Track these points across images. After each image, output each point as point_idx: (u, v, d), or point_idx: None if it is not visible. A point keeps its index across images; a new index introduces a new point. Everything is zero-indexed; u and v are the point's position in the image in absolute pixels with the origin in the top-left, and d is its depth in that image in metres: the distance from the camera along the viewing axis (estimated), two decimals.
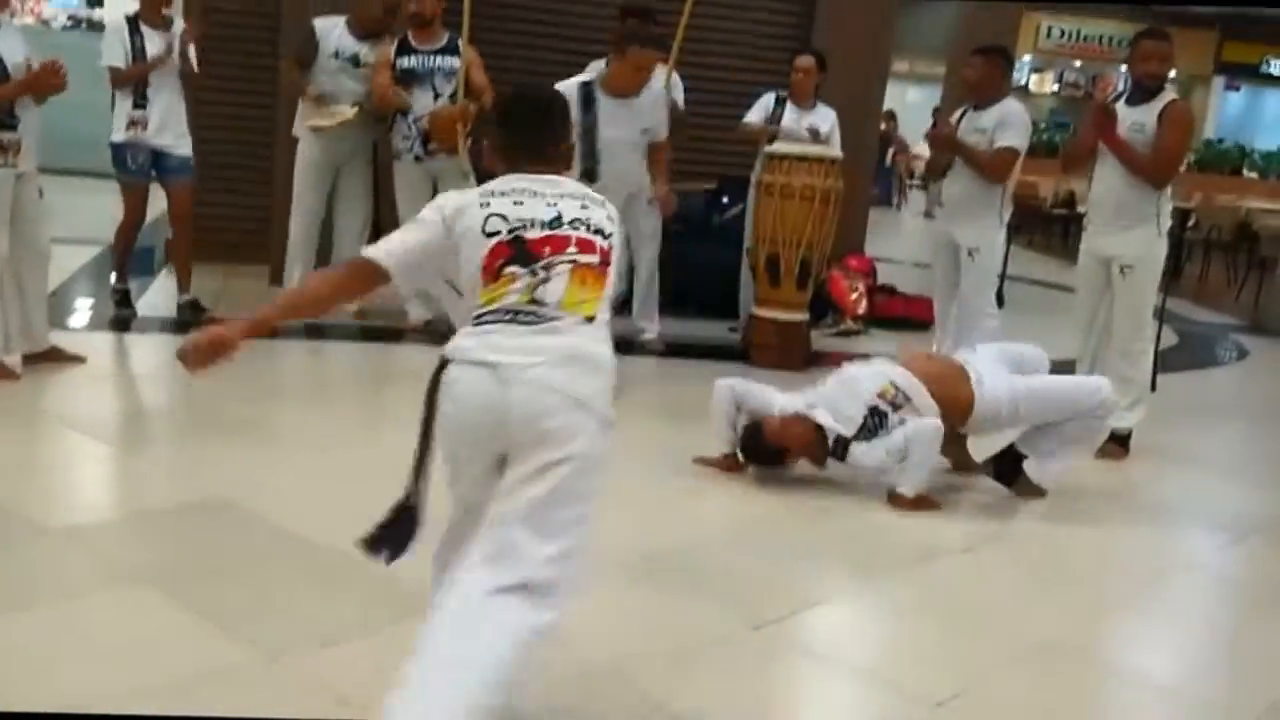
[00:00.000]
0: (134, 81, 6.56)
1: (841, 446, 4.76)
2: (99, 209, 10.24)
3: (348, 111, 6.98)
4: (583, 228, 2.60)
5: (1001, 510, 5.02)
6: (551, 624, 2.44)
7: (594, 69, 6.66)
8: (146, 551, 3.84)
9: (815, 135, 7.16)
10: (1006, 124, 6.33)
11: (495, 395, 2.41)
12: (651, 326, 7.29)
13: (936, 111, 6.14)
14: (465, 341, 2.49)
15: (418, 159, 6.99)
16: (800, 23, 9.13)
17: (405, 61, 6.94)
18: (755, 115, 7.43)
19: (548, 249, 2.54)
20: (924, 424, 4.74)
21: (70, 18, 19.47)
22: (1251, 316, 11.42)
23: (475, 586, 2.39)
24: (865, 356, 5.49)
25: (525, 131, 2.74)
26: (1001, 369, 5.09)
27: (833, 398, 4.88)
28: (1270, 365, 9.46)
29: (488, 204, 2.59)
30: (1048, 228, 16.54)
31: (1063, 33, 27.64)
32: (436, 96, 6.92)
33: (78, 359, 5.76)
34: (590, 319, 2.53)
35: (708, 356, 7.22)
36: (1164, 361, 7.37)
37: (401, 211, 6.89)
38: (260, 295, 7.42)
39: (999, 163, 6.34)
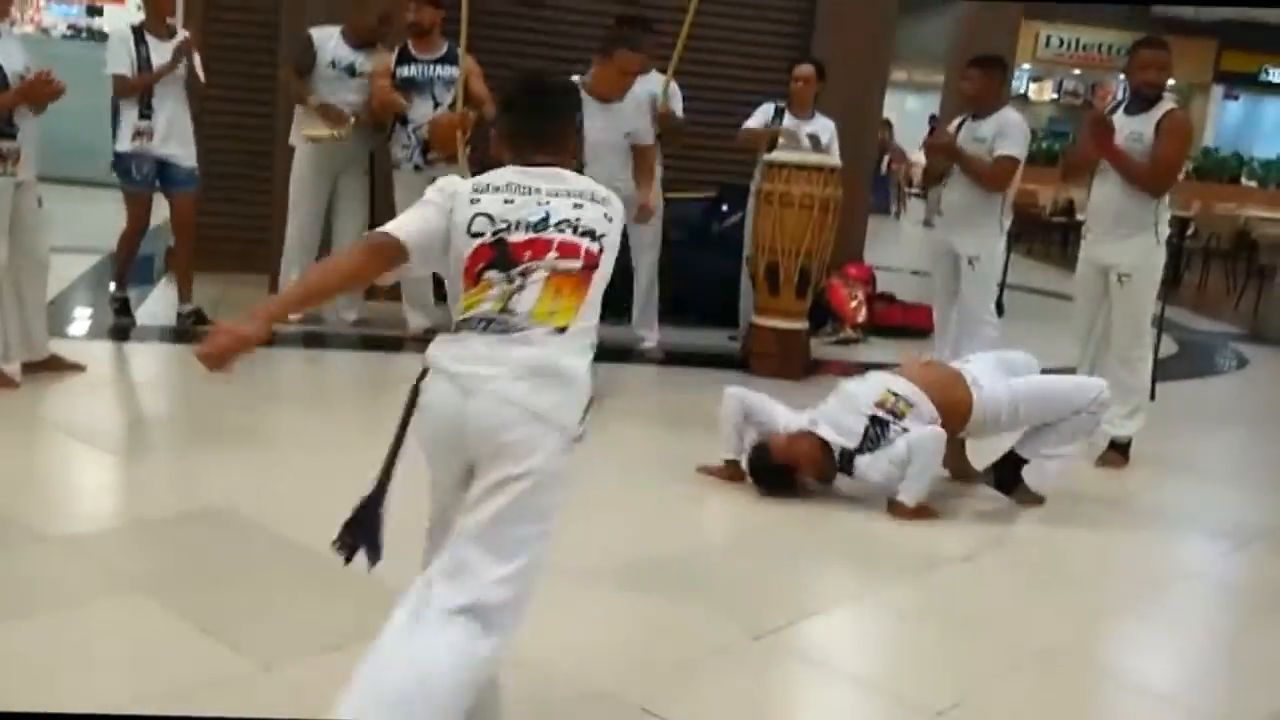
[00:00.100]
0: (140, 91, 6.55)
1: (847, 460, 4.76)
2: (98, 218, 10.25)
3: (341, 128, 6.98)
4: (569, 230, 2.51)
5: (1001, 518, 5.02)
6: (497, 651, 2.39)
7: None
8: (145, 559, 3.84)
9: (815, 144, 7.15)
10: (1005, 134, 6.33)
11: (457, 406, 2.38)
12: (651, 335, 7.29)
13: (933, 119, 6.14)
14: (439, 350, 2.45)
15: (417, 168, 6.99)
16: (799, 31, 9.14)
17: (405, 70, 6.95)
18: (754, 123, 7.44)
19: (528, 254, 2.47)
20: (926, 433, 4.74)
21: (70, 26, 19.52)
22: (1251, 325, 11.42)
23: (425, 603, 2.36)
24: (865, 365, 5.50)
25: (530, 116, 2.67)
26: (998, 373, 5.10)
27: (833, 413, 4.88)
28: (1270, 374, 9.45)
29: (478, 200, 2.52)
30: (1047, 236, 16.55)
31: (1061, 41, 27.69)
32: (436, 105, 6.93)
33: (77, 367, 5.75)
34: (562, 329, 2.44)
35: (707, 365, 7.22)
36: (1164, 370, 7.37)
37: None
38: (260, 304, 7.40)
39: (999, 172, 6.35)
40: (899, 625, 3.93)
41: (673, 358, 7.24)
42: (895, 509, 4.72)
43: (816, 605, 3.93)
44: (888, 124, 17.64)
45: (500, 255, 2.47)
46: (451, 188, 2.57)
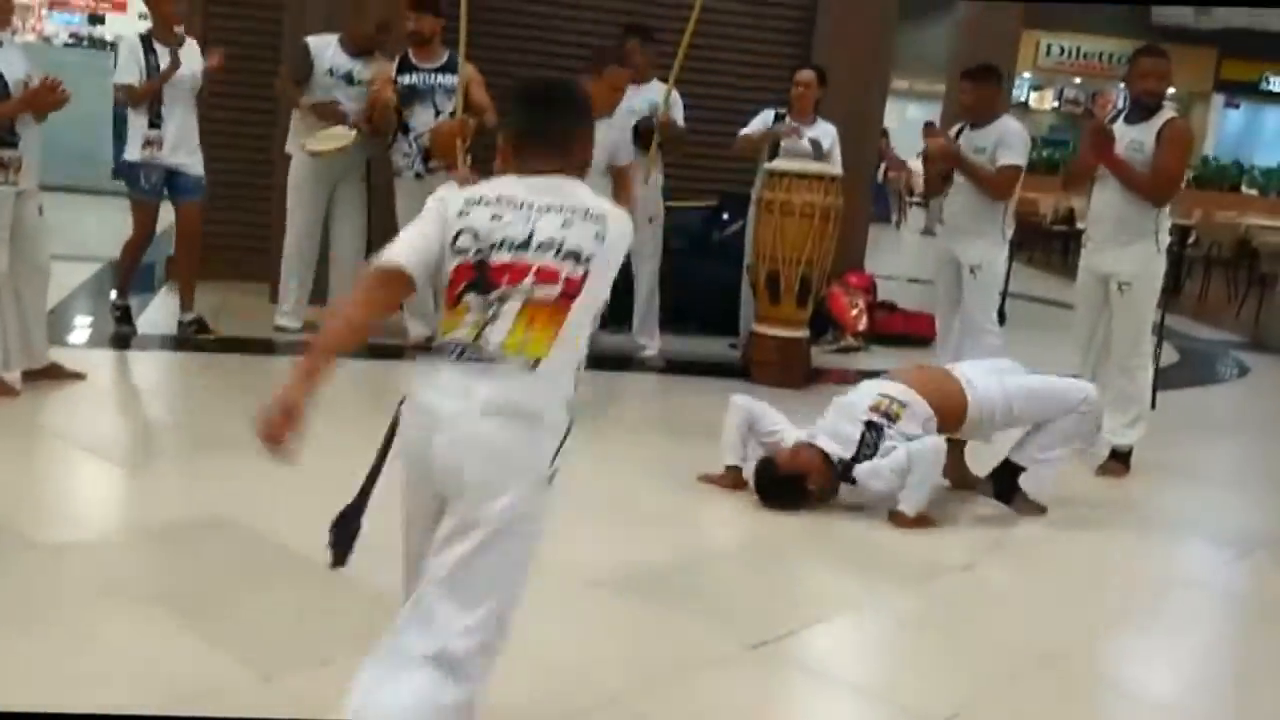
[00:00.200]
0: (149, 99, 6.55)
1: (846, 469, 4.75)
2: (99, 226, 10.27)
3: (346, 136, 6.98)
4: (550, 252, 2.38)
5: (1001, 526, 5.01)
6: (463, 701, 2.32)
7: None
8: (144, 569, 3.84)
9: (816, 149, 7.15)
10: (1007, 142, 6.34)
11: (425, 441, 2.33)
12: (652, 343, 7.29)
13: (929, 125, 6.12)
14: (417, 379, 2.40)
15: (418, 176, 6.99)
16: (800, 40, 9.15)
17: (406, 79, 6.95)
18: (752, 131, 7.43)
19: (505, 278, 2.37)
20: (927, 442, 4.74)
21: (72, 35, 19.55)
22: (1252, 333, 11.42)
23: (394, 649, 2.34)
24: (865, 374, 5.50)
25: (533, 120, 2.56)
26: (989, 374, 5.13)
27: (830, 424, 4.89)
28: (1271, 382, 9.44)
29: (466, 214, 2.43)
30: (1047, 244, 16.55)
31: (1062, 50, 27.75)
32: (437, 113, 6.93)
33: (77, 376, 5.75)
34: (535, 364, 2.33)
35: (708, 373, 7.21)
36: (1165, 378, 7.37)
37: (403, 229, 6.88)
38: (260, 312, 7.43)
39: (1002, 181, 6.35)
40: (899, 634, 3.92)
41: (673, 366, 7.24)
42: (896, 518, 4.72)
43: (816, 614, 3.92)
44: (884, 133, 17.66)
45: (480, 277, 2.38)
46: (446, 199, 2.50)
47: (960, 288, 6.51)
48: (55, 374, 5.69)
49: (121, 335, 6.80)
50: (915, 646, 3.82)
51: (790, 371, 7.02)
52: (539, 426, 2.34)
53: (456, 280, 2.40)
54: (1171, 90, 6.15)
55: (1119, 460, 5.85)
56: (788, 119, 7.33)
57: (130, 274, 6.95)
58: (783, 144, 7.24)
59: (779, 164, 7.10)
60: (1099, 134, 5.69)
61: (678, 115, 7.19)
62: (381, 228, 7.19)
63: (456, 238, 2.42)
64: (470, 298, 2.38)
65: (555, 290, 2.37)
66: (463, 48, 6.67)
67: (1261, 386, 9.23)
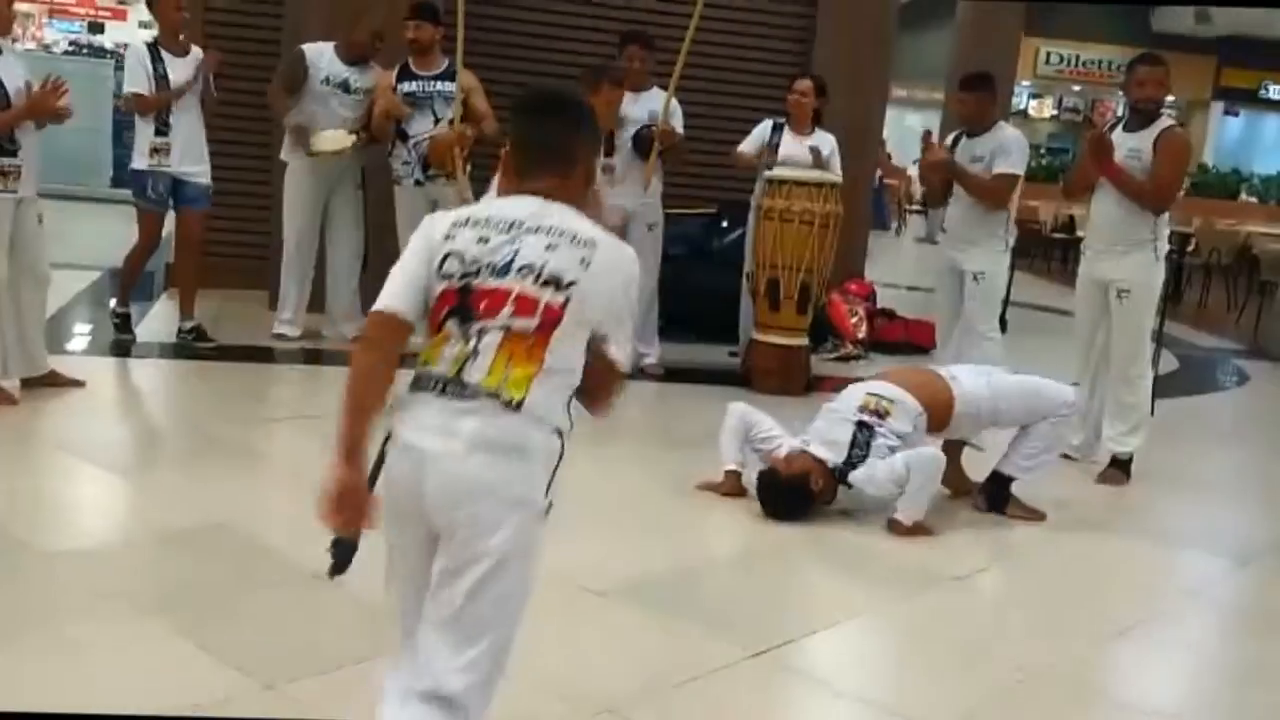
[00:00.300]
0: (158, 109, 6.55)
1: (841, 474, 4.75)
2: (99, 233, 10.27)
3: (344, 140, 6.98)
4: (530, 278, 2.31)
5: (1002, 536, 5.00)
6: None
7: None
8: (143, 576, 3.83)
9: (816, 156, 7.14)
10: (1004, 150, 6.33)
11: (413, 480, 2.28)
12: (651, 351, 7.28)
13: (927, 134, 6.14)
14: (401, 414, 2.34)
15: (418, 183, 7.00)
16: (800, 49, 9.16)
17: (406, 86, 6.96)
18: (748, 146, 7.41)
19: (484, 306, 2.31)
20: (926, 452, 4.74)
21: (71, 43, 19.55)
22: (1252, 341, 11.41)
23: (394, 691, 2.33)
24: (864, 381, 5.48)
25: (531, 132, 2.51)
26: (975, 373, 5.17)
27: (822, 430, 4.89)
28: (1271, 390, 9.44)
29: (452, 237, 2.37)
30: (1047, 252, 16.56)
31: (1061, 58, 27.76)
32: (436, 121, 6.93)
33: (76, 383, 5.74)
34: (517, 405, 2.26)
35: (708, 381, 7.21)
36: (1165, 387, 7.36)
37: (402, 236, 6.88)
38: (259, 320, 7.43)
39: (998, 189, 6.35)
40: (899, 642, 3.92)
41: (673, 374, 7.23)
42: (893, 526, 4.71)
43: (817, 622, 3.92)
44: (881, 142, 17.68)
45: (463, 303, 2.32)
46: (433, 224, 2.43)
47: (962, 295, 6.50)
48: (54, 381, 5.68)
49: (121, 343, 6.80)
50: (915, 655, 3.81)
51: (790, 379, 7.02)
52: (529, 459, 2.29)
53: (440, 306, 2.35)
54: (1171, 98, 6.15)
55: (1119, 468, 5.84)
56: (786, 130, 7.31)
57: (132, 282, 6.96)
58: (781, 152, 7.23)
59: (779, 171, 7.10)
60: (1099, 142, 5.69)
61: (677, 124, 7.19)
62: (377, 235, 7.21)
63: (443, 262, 2.36)
64: (451, 325, 2.33)
65: (533, 322, 2.30)
66: (460, 55, 6.67)
67: (1261, 394, 9.23)
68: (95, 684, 3.05)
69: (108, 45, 19.15)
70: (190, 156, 6.67)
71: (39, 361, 5.65)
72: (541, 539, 2.34)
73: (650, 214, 7.17)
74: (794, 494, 4.76)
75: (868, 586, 4.31)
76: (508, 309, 2.30)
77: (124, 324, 6.88)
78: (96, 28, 21.14)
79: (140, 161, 6.64)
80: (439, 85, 6.96)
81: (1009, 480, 5.09)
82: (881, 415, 4.81)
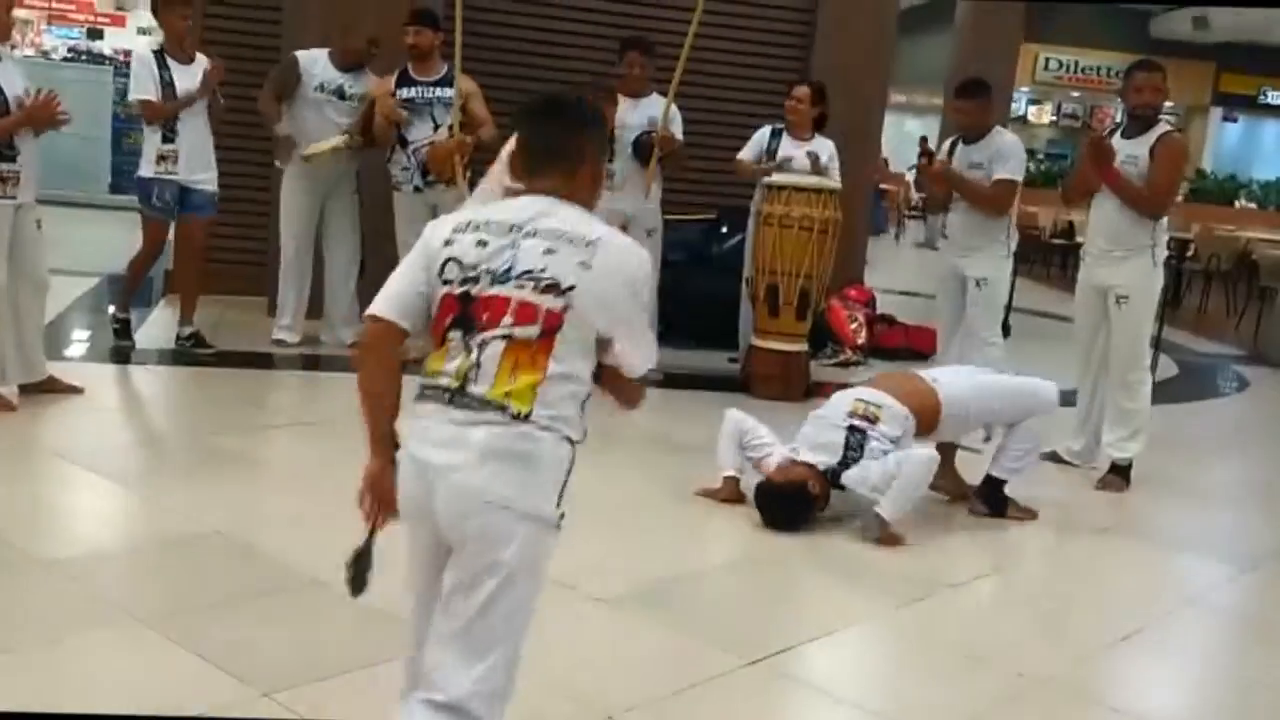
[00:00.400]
0: (167, 117, 6.54)
1: (834, 476, 4.74)
2: (97, 240, 10.27)
3: (337, 140, 6.98)
4: (530, 285, 2.31)
5: (1001, 543, 5.00)
6: None
7: None
8: (140, 584, 3.82)
9: (815, 161, 7.14)
10: (1002, 156, 6.34)
11: (423, 493, 2.30)
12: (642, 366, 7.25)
13: (923, 140, 6.14)
14: (409, 430, 2.36)
15: (417, 189, 6.99)
16: (799, 54, 9.17)
17: (405, 92, 6.95)
18: (748, 153, 7.41)
19: (485, 316, 2.31)
20: (919, 452, 4.74)
21: (70, 49, 19.56)
22: (1252, 347, 11.41)
23: (409, 695, 2.35)
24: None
25: (535, 133, 2.52)
26: (959, 374, 5.21)
27: (810, 436, 4.88)
28: (1271, 396, 9.44)
29: (452, 242, 2.38)
30: (1047, 257, 16.56)
31: (1060, 64, 27.80)
32: (436, 127, 6.93)
33: (75, 389, 5.73)
34: (524, 416, 2.26)
35: (707, 387, 7.20)
36: (1165, 392, 7.36)
37: (401, 242, 6.89)
38: (258, 326, 7.42)
39: (997, 196, 6.35)
40: (898, 650, 3.90)
41: (672, 380, 7.21)
42: (879, 528, 4.67)
43: (814, 630, 3.90)
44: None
45: (464, 311, 2.33)
46: (434, 229, 2.44)
47: (964, 302, 6.49)
48: (53, 388, 5.68)
49: (120, 349, 6.79)
50: (914, 662, 3.80)
51: (790, 385, 7.01)
52: (538, 469, 2.29)
53: (443, 314, 2.36)
54: (1170, 104, 6.15)
55: (1119, 474, 5.84)
56: (785, 136, 7.31)
57: (134, 288, 6.97)
58: (779, 156, 7.23)
59: (778, 177, 7.09)
60: (1098, 147, 5.70)
61: (677, 130, 7.19)
62: (375, 241, 7.20)
63: (444, 267, 2.37)
64: (453, 336, 2.34)
65: (535, 329, 2.30)
66: (458, 61, 6.67)
67: (1261, 400, 9.22)
68: (93, 692, 3.04)
69: (107, 51, 19.16)
70: (197, 164, 6.66)
71: (37, 367, 5.64)
72: (552, 551, 2.34)
73: (650, 220, 7.17)
74: (793, 500, 4.73)
75: (866, 593, 4.30)
76: (508, 317, 2.30)
77: (124, 330, 6.87)
78: (95, 34, 21.16)
79: (147, 169, 6.63)
80: (438, 91, 6.95)
81: (1002, 483, 5.12)
82: (871, 420, 4.81)
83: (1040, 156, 24.75)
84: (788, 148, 7.25)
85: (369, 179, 7.32)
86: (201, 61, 6.70)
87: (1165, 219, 5.81)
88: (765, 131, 7.39)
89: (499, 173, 5.33)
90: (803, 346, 7.24)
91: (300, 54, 7.13)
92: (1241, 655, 4.25)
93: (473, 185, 6.74)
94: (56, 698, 2.99)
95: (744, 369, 7.39)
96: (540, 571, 2.33)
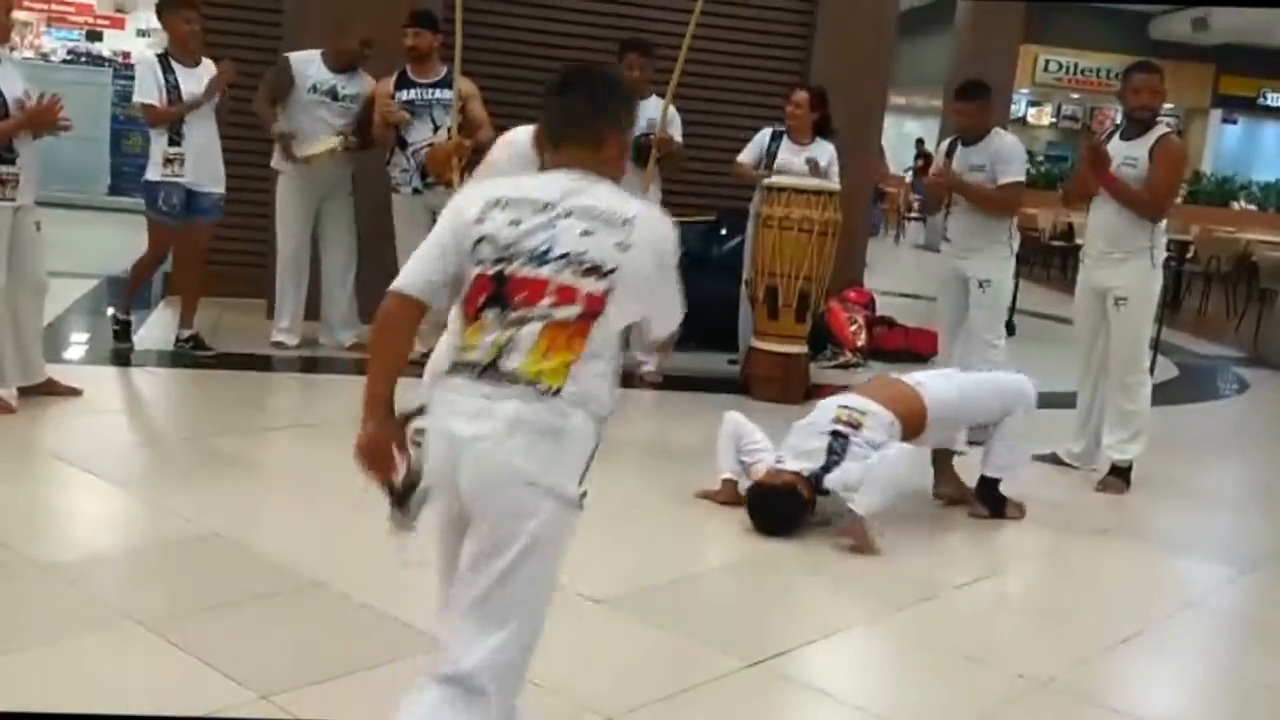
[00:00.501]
0: (172, 120, 6.54)
1: (818, 481, 4.71)
2: (96, 242, 10.27)
3: (333, 140, 6.98)
4: (569, 269, 2.31)
5: (1000, 545, 4.99)
6: None
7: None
8: (138, 587, 3.81)
9: (814, 167, 7.13)
10: (1005, 158, 6.34)
11: (448, 463, 2.29)
12: (650, 359, 7.26)
13: (920, 143, 6.15)
14: (436, 393, 2.36)
15: (416, 191, 6.99)
16: (798, 56, 9.16)
17: (404, 94, 6.95)
18: (748, 155, 7.41)
19: (524, 296, 2.31)
20: (893, 447, 4.73)
21: (70, 51, 19.56)
22: (1252, 349, 11.40)
23: (425, 680, 2.33)
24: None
25: (563, 105, 2.50)
26: (939, 376, 5.24)
27: (795, 444, 4.87)
28: (1271, 398, 9.43)
29: (483, 220, 2.36)
30: (1046, 259, 16.56)
31: (1060, 65, 27.78)
32: (435, 129, 6.93)
33: (74, 391, 5.73)
34: (555, 391, 2.27)
35: (707, 389, 7.20)
36: (1165, 394, 7.36)
37: (400, 244, 6.88)
38: (257, 329, 7.42)
39: (1008, 198, 6.36)
40: (897, 652, 3.90)
41: (672, 382, 7.22)
42: (841, 535, 4.63)
43: (814, 632, 3.90)
44: (880, 151, 17.70)
45: (499, 290, 2.33)
46: (461, 205, 2.42)
47: (966, 303, 6.48)
48: (52, 390, 5.67)
49: (120, 351, 6.78)
50: (913, 665, 3.79)
51: (789, 387, 7.00)
52: (565, 443, 2.29)
53: (475, 292, 2.36)
54: (1169, 105, 6.15)
55: (1119, 476, 5.83)
56: (784, 140, 7.30)
57: (137, 290, 6.97)
58: (778, 161, 7.22)
59: (777, 179, 7.09)
60: (1095, 152, 5.70)
61: (675, 132, 7.18)
62: (374, 242, 7.19)
63: (476, 245, 2.36)
64: (489, 314, 2.34)
65: (574, 311, 2.31)
66: (458, 63, 6.66)
67: (1261, 402, 9.22)
68: (92, 694, 3.03)
69: (106, 54, 19.16)
70: (205, 168, 6.65)
71: (36, 370, 5.64)
72: (572, 531, 2.35)
73: None
74: (785, 500, 4.69)
75: (866, 595, 4.29)
76: (547, 299, 2.31)
77: (124, 331, 6.86)
78: (95, 36, 21.16)
79: (154, 172, 6.61)
80: (437, 93, 6.95)
81: (997, 482, 5.14)
82: (855, 426, 4.80)
83: (1040, 158, 24.73)
84: (787, 153, 7.25)
85: (365, 181, 7.32)
86: (207, 65, 6.70)
87: (1164, 221, 5.81)
88: (765, 134, 7.39)
89: (486, 175, 5.28)
90: (802, 348, 7.23)
91: (293, 56, 7.13)
92: (1241, 657, 4.24)
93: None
94: (55, 700, 2.98)
95: (743, 371, 7.38)
96: (560, 550, 2.34)
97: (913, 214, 21.96)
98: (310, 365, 7.08)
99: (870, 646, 3.94)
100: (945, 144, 6.71)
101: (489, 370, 2.30)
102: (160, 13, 6.86)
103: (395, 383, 2.40)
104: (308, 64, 7.09)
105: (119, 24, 21.78)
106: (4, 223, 5.34)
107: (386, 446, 2.35)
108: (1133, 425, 5.81)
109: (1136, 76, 5.79)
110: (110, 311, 7.05)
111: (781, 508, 4.71)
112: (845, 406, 4.91)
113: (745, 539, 4.70)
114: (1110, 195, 5.69)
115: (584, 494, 2.33)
